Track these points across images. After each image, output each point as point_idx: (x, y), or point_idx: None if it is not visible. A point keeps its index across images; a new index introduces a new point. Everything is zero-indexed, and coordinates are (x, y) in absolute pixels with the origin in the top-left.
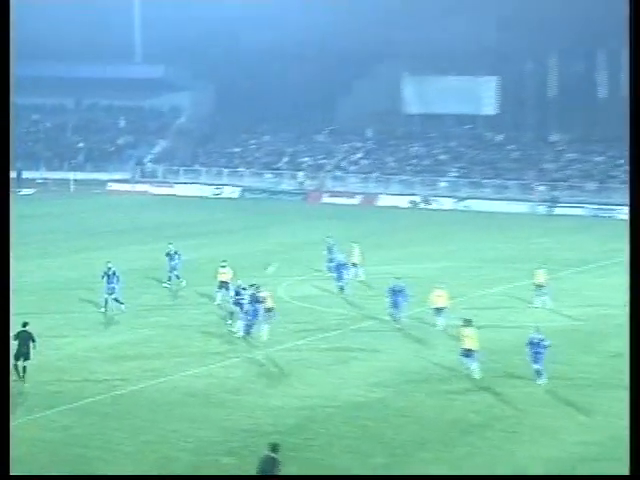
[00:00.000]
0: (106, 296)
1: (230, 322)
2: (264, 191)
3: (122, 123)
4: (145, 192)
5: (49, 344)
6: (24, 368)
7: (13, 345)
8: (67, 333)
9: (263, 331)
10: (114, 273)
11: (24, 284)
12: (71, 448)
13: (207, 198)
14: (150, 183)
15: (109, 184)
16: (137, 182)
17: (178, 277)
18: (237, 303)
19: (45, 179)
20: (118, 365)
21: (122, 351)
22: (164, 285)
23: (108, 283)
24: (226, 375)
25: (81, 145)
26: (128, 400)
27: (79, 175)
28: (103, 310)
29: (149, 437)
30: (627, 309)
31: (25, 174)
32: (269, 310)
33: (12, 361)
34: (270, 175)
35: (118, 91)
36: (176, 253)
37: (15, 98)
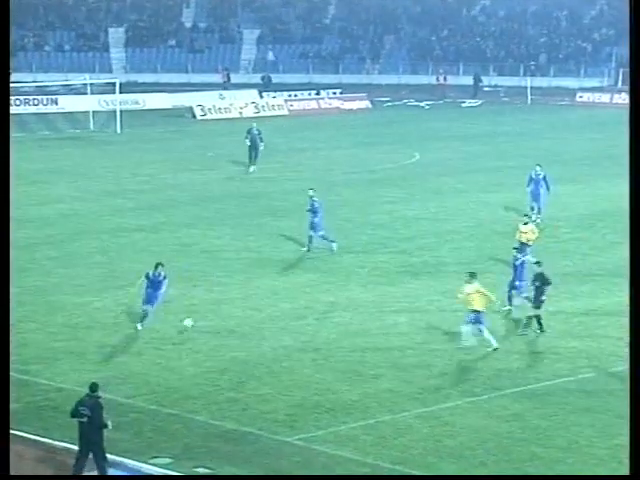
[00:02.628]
0: (311, 233)
1: None
2: None
3: (599, 9)
4: (623, 105)
5: None
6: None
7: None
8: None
9: None
10: (314, 205)
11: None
12: (523, 445)
13: None
14: None
15: (579, 93)
16: (618, 91)
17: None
18: None
19: (495, 86)
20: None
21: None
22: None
23: (313, 217)
24: None
25: (543, 41)
26: (597, 386)
27: (539, 82)
28: (306, 249)
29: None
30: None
31: (464, 80)
32: None
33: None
34: None
35: None
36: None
37: None
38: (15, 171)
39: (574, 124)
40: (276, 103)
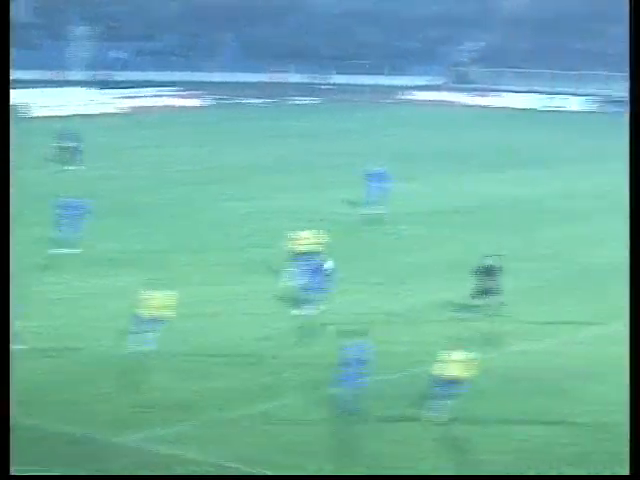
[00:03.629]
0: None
1: None
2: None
3: (433, 8)
4: (457, 103)
5: None
6: None
7: None
8: None
9: None
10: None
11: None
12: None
13: (540, 112)
14: (467, 91)
15: (412, 92)
16: (450, 89)
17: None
18: None
19: (331, 85)
20: None
21: None
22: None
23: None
24: None
25: (374, 40)
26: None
27: (373, 80)
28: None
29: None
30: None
31: (300, 78)
32: None
33: None
34: None
35: None
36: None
37: None
38: None
39: (407, 121)
40: (108, 101)
